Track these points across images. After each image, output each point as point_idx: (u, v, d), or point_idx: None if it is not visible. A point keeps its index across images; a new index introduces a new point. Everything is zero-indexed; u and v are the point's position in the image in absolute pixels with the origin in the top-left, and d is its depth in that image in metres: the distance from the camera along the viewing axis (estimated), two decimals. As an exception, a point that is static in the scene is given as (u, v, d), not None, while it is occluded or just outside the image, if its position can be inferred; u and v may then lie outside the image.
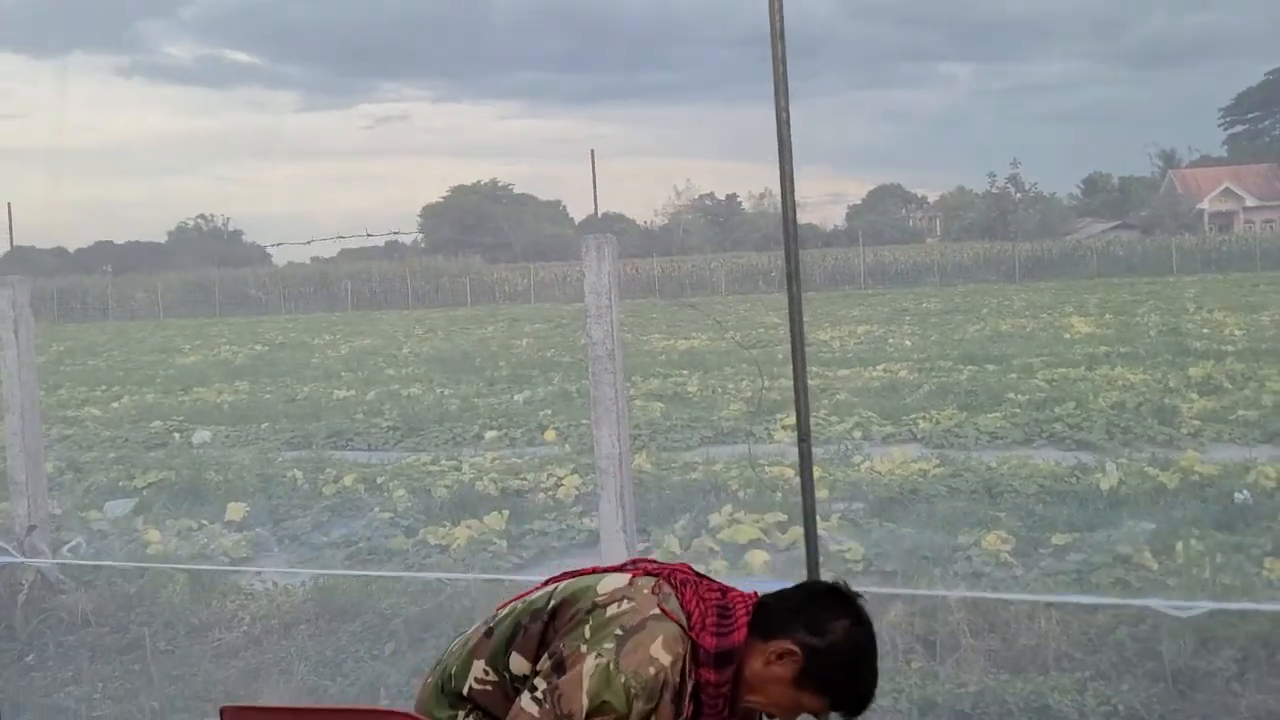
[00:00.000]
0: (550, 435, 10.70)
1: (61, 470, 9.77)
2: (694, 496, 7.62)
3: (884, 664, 4.34)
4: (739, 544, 6.25)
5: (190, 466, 9.73)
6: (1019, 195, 55.34)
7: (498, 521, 7.05)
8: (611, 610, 2.09)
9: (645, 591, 2.12)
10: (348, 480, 8.72)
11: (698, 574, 2.22)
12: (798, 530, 6.46)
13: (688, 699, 2.11)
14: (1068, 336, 18.23)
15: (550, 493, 8.06)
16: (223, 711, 2.19)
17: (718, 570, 5.64)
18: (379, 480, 8.69)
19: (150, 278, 47.92)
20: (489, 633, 2.23)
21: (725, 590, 2.19)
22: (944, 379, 13.34)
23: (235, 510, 7.66)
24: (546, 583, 2.27)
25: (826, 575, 4.28)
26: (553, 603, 2.16)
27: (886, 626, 4.48)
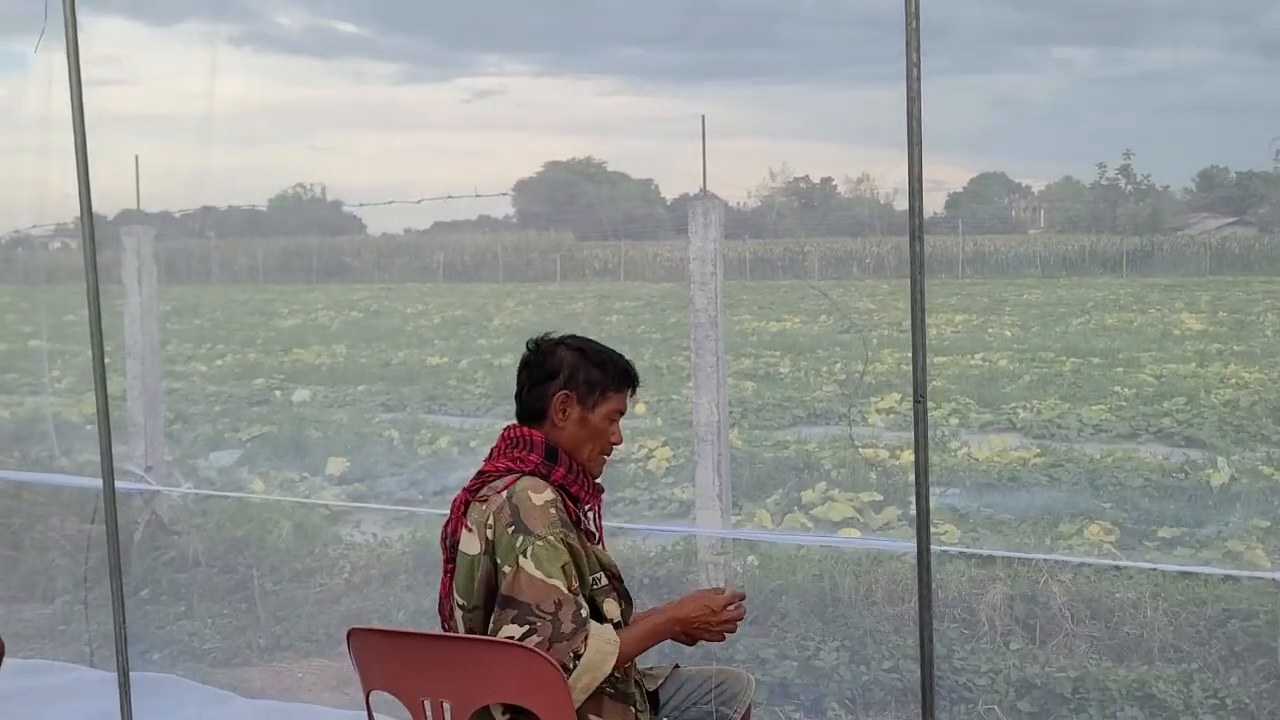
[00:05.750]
0: (641, 409, 10.72)
1: (170, 420, 10.15)
2: (786, 473, 7.58)
3: (981, 644, 4.31)
4: (832, 521, 6.20)
5: (291, 422, 10.03)
6: (1129, 188, 53.35)
7: (589, 488, 7.11)
8: (499, 527, 2.18)
9: (487, 502, 2.23)
10: (442, 442, 8.89)
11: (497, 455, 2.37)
12: (892, 511, 6.39)
13: (573, 515, 2.27)
14: (1177, 333, 17.58)
15: (641, 464, 8.09)
16: (350, 634, 2.25)
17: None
18: (472, 444, 8.83)
19: (251, 243, 49.34)
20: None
21: (503, 442, 2.37)
22: (1045, 370, 13.00)
23: (336, 464, 7.89)
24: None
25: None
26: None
27: (985, 607, 4.40)
